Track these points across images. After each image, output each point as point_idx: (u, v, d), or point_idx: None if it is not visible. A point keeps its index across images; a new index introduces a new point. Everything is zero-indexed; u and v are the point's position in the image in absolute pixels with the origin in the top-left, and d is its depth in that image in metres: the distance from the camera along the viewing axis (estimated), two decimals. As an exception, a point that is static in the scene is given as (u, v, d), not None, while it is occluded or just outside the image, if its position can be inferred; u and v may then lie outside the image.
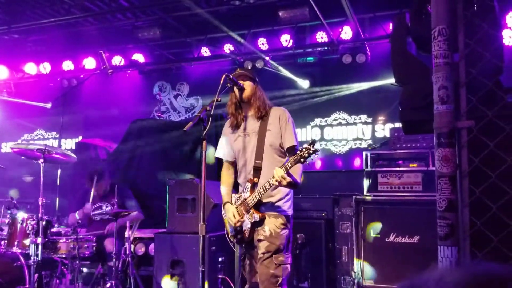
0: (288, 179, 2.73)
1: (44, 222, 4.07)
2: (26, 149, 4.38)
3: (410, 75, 1.94)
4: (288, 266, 2.99)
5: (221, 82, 2.90)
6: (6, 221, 4.39)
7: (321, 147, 6.87)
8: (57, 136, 8.67)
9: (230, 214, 3.06)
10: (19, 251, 4.15)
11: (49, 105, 5.88)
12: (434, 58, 1.66)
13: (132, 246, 4.85)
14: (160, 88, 8.24)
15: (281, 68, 7.00)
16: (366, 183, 4.69)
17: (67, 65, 8.13)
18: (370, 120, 6.77)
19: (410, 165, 4.56)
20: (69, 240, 4.28)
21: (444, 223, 1.59)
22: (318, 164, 6.87)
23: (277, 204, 3.00)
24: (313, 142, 2.66)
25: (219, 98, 2.86)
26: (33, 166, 6.46)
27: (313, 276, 4.66)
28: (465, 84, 1.67)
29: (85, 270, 4.59)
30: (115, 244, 4.15)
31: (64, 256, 4.30)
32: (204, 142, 2.76)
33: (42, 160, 4.19)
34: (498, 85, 1.71)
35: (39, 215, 4.05)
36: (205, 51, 7.37)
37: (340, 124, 6.94)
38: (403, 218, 4.37)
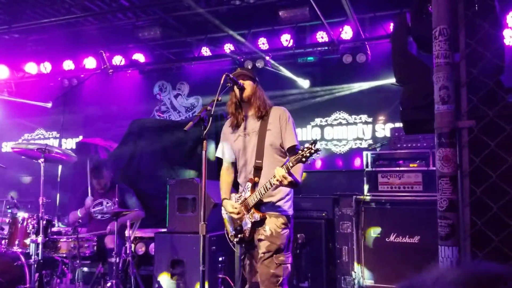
0: (289, 178, 2.73)
1: (44, 222, 4.07)
2: (27, 149, 4.38)
3: (411, 75, 1.94)
4: (289, 265, 2.99)
5: (222, 81, 2.90)
6: (7, 220, 4.40)
7: (322, 147, 6.87)
8: (58, 135, 8.67)
9: (230, 208, 3.06)
10: (20, 250, 4.15)
11: (49, 105, 5.87)
12: (435, 58, 1.66)
13: (133, 245, 4.85)
14: (160, 88, 8.24)
15: (281, 67, 7.00)
16: (366, 183, 4.69)
17: (68, 65, 8.13)
18: (370, 120, 6.77)
19: (411, 165, 4.56)
20: (70, 240, 4.28)
21: (445, 223, 1.59)
22: (319, 164, 6.87)
23: (277, 204, 3.00)
24: (314, 142, 2.66)
25: (220, 98, 2.86)
26: (32, 166, 6.47)
27: (313, 276, 4.66)
28: (466, 84, 1.67)
29: (85, 269, 4.59)
30: (116, 243, 4.15)
31: (64, 255, 4.30)
32: (205, 142, 2.76)
33: (42, 160, 4.20)
34: (499, 85, 1.71)
35: (40, 214, 4.06)
36: (206, 51, 7.37)
37: (340, 124, 6.94)
38: (404, 218, 4.37)
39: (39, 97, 6.67)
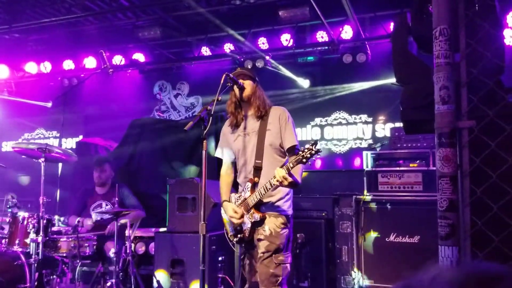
0: (290, 179, 2.73)
1: (45, 221, 4.07)
2: (27, 148, 4.38)
3: (411, 75, 1.94)
4: (288, 265, 2.99)
5: (222, 81, 2.90)
6: (7, 219, 4.40)
7: (322, 147, 6.86)
8: (58, 135, 8.67)
9: (231, 212, 3.06)
10: (20, 249, 4.15)
11: (49, 104, 5.86)
12: (435, 58, 1.66)
13: (133, 245, 4.85)
14: (160, 88, 8.24)
15: (281, 67, 7.00)
16: (366, 183, 4.69)
17: (68, 65, 8.13)
18: (370, 119, 6.77)
19: (411, 165, 4.56)
20: (70, 239, 4.28)
21: (445, 223, 1.59)
22: (318, 164, 6.87)
23: (277, 203, 3.01)
24: (315, 143, 2.66)
25: (220, 97, 2.86)
26: (30, 166, 6.47)
27: (313, 275, 4.66)
28: (466, 84, 1.67)
29: (85, 268, 4.59)
30: (116, 243, 4.15)
31: (64, 255, 4.30)
32: (205, 141, 2.76)
33: (43, 159, 4.20)
34: (499, 85, 1.71)
35: (40, 213, 4.06)
36: (205, 51, 7.37)
37: (340, 123, 6.94)
38: (404, 218, 4.37)
39: (39, 96, 6.67)
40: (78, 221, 4.71)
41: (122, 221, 4.52)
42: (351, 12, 5.90)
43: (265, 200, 2.97)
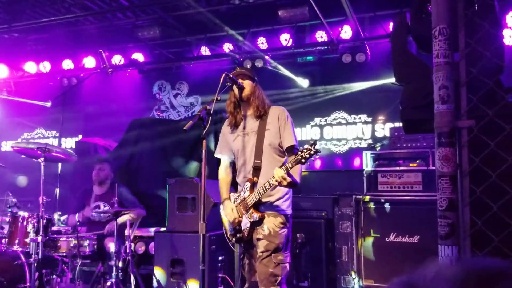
0: (288, 179, 2.74)
1: (44, 221, 4.07)
2: (27, 148, 4.38)
3: (411, 74, 1.94)
4: (287, 265, 2.99)
5: (221, 81, 2.90)
6: (7, 219, 4.40)
7: (321, 147, 6.86)
8: (57, 135, 8.66)
9: (229, 210, 3.07)
10: (20, 249, 4.15)
11: (49, 104, 5.86)
12: (434, 58, 1.66)
13: (132, 244, 4.85)
14: (159, 87, 8.24)
15: (280, 67, 6.99)
16: (366, 182, 4.69)
17: (67, 64, 8.12)
18: (370, 119, 6.76)
19: (410, 164, 4.56)
20: (70, 239, 4.28)
21: (444, 222, 1.59)
22: (318, 164, 6.87)
23: (276, 203, 3.01)
24: (314, 143, 2.66)
25: (219, 97, 2.87)
26: (29, 166, 6.46)
27: (313, 275, 4.67)
28: (466, 83, 1.67)
29: (85, 268, 4.59)
30: (116, 243, 4.15)
31: (64, 254, 4.30)
32: (204, 141, 2.76)
33: (42, 159, 4.19)
34: (498, 84, 1.71)
35: (40, 213, 4.05)
36: (205, 50, 7.36)
37: (340, 123, 6.93)
38: (403, 218, 4.37)
39: (38, 96, 6.67)
40: (78, 221, 4.72)
41: (123, 218, 4.52)
42: (350, 12, 5.90)
43: (264, 200, 2.97)
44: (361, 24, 6.48)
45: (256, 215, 2.96)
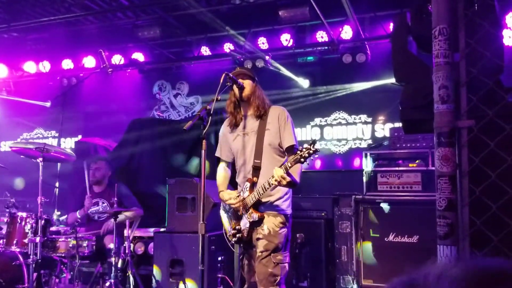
0: (288, 179, 2.73)
1: (43, 221, 4.06)
2: (25, 148, 4.37)
3: (411, 74, 1.93)
4: (286, 265, 2.98)
5: (221, 81, 2.90)
6: (5, 219, 4.39)
7: (321, 147, 6.86)
8: (57, 135, 8.65)
9: (227, 196, 3.07)
10: (18, 250, 4.14)
11: (48, 104, 5.87)
12: (434, 58, 1.66)
13: (132, 245, 4.84)
14: (160, 87, 8.23)
15: (281, 67, 6.99)
16: (365, 183, 4.69)
17: (67, 64, 8.11)
18: (370, 120, 6.76)
19: (410, 164, 4.56)
20: (68, 239, 4.27)
21: (443, 222, 1.58)
22: (318, 164, 6.86)
23: (276, 203, 3.00)
24: (313, 142, 2.66)
25: (219, 97, 2.86)
26: (30, 166, 6.45)
27: (312, 275, 4.66)
28: (466, 83, 1.67)
29: (84, 269, 4.58)
30: (115, 243, 4.14)
31: (63, 255, 4.29)
32: (204, 141, 2.76)
33: (41, 159, 4.18)
34: (498, 84, 1.71)
35: (38, 213, 4.04)
36: (205, 50, 7.36)
37: (340, 123, 6.93)
38: (403, 217, 4.37)
39: (38, 96, 6.68)
40: (79, 218, 4.70)
41: (121, 217, 4.51)
42: (351, 12, 5.89)
43: (263, 200, 2.97)
44: (362, 24, 6.48)
45: (255, 215, 2.95)
